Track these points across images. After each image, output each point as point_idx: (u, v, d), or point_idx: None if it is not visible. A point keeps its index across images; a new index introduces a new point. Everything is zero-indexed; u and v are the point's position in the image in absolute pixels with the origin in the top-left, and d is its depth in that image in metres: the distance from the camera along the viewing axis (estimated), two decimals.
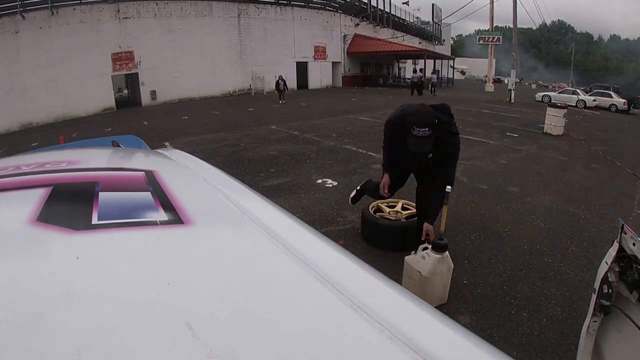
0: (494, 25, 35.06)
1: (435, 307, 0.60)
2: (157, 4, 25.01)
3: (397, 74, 44.47)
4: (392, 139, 3.54)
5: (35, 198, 0.82)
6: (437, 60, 42.67)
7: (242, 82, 28.00)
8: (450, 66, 45.59)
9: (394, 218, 4.40)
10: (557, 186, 7.04)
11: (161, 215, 0.78)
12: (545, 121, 12.86)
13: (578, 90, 28.84)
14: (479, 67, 64.92)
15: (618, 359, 1.69)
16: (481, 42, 36.40)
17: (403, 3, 45.41)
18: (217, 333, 0.46)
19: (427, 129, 2.99)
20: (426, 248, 3.17)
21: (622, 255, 1.70)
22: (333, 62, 35.59)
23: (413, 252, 3.23)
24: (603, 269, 1.76)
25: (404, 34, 42.23)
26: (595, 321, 1.78)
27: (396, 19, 43.01)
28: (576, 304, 3.41)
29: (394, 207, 4.65)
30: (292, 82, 31.62)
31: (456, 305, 3.41)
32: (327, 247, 0.71)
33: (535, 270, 4.02)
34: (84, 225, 0.72)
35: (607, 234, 4.97)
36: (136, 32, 23.85)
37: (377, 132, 11.70)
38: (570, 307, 3.40)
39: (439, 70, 34.09)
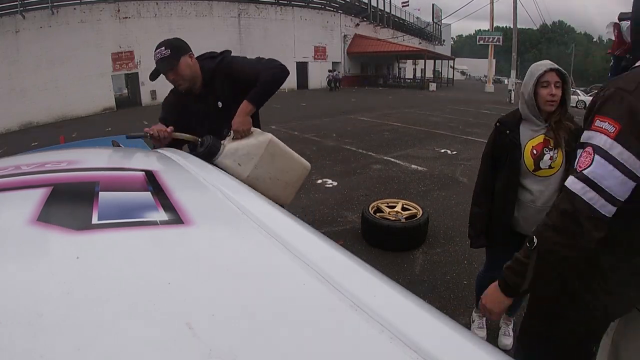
0: (494, 25, 35.11)
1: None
2: (157, 3, 25.02)
3: (397, 74, 44.52)
4: None
5: (35, 198, 0.82)
6: (437, 61, 42.75)
7: None
8: (450, 66, 45.65)
9: (393, 218, 4.41)
10: None
11: (161, 215, 0.78)
12: None
13: (578, 91, 28.79)
14: (479, 67, 65.01)
15: (636, 358, 1.68)
16: (481, 42, 36.46)
17: (403, 5, 45.41)
18: (217, 333, 0.46)
19: None
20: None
21: None
22: (333, 62, 35.58)
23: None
24: None
25: (404, 34, 42.29)
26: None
27: (396, 19, 43.05)
28: None
29: (394, 207, 4.66)
30: (292, 82, 31.62)
31: (456, 306, 3.41)
32: (327, 247, 0.71)
33: None
34: (84, 225, 0.72)
35: None
36: (136, 32, 23.87)
37: (378, 132, 11.73)
38: None
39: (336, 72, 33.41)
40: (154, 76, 2.39)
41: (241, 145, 2.12)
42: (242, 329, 0.48)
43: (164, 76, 2.44)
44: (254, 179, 2.10)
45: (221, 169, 2.09)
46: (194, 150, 2.16)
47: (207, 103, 2.47)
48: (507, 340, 2.93)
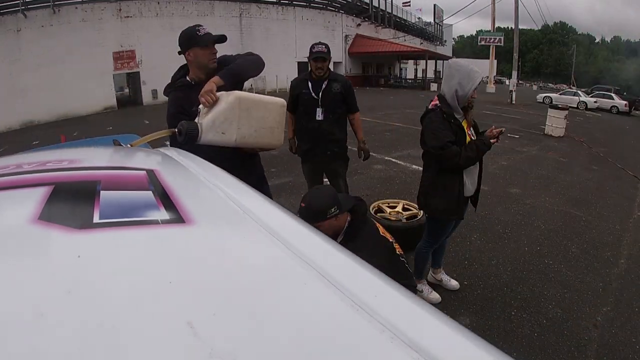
0: (496, 25, 35.09)
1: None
2: (158, 3, 25.05)
3: (398, 75, 44.49)
4: None
5: (36, 196, 0.82)
6: (438, 61, 42.71)
7: None
8: None
9: (394, 219, 4.40)
10: (558, 188, 7.04)
11: (162, 214, 0.78)
12: (546, 122, 12.89)
13: (579, 92, 28.80)
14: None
15: None
16: (482, 43, 36.45)
17: (404, 5, 45.32)
18: (218, 333, 0.46)
19: None
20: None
21: None
22: (334, 62, 35.56)
23: None
24: None
25: (405, 35, 42.28)
26: None
27: (397, 20, 43.04)
28: (576, 306, 3.41)
29: (395, 207, 4.65)
30: None
31: (457, 306, 3.41)
32: (328, 246, 0.71)
33: (535, 272, 4.03)
34: (86, 224, 0.72)
35: (608, 236, 4.97)
36: (138, 31, 23.90)
37: (379, 132, 11.73)
38: (570, 309, 3.40)
39: None
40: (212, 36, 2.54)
41: (215, 115, 2.11)
42: (243, 329, 0.48)
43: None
44: (242, 138, 2.15)
45: (209, 145, 2.13)
46: (175, 142, 2.17)
47: None
48: (454, 282, 3.71)
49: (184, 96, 2.53)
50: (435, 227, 3.30)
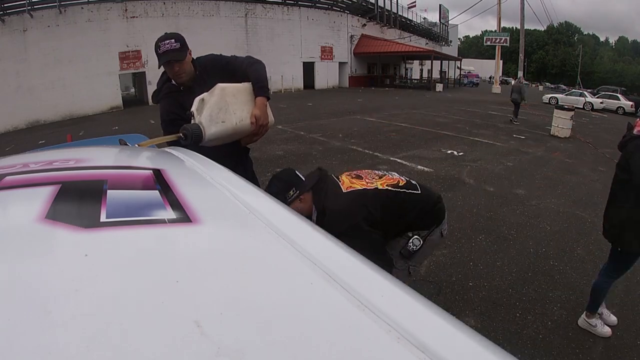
0: (502, 26, 35.03)
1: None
2: (164, 3, 25.10)
3: (403, 75, 44.47)
4: None
5: (43, 196, 0.82)
6: (444, 61, 42.63)
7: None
8: (457, 67, 45.52)
9: None
10: (564, 189, 7.00)
11: (169, 213, 0.78)
12: (552, 123, 12.83)
13: (585, 93, 28.68)
14: (486, 68, 64.80)
15: None
16: (488, 43, 36.41)
17: (409, 6, 45.30)
18: (225, 331, 0.46)
19: None
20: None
21: None
22: (340, 63, 35.56)
23: None
24: None
25: (411, 35, 42.21)
26: None
27: (403, 20, 42.97)
28: (581, 308, 3.39)
29: None
30: (298, 82, 31.60)
31: (461, 307, 3.40)
32: (334, 246, 0.71)
33: (540, 273, 4.01)
34: (92, 223, 0.72)
35: None
36: (144, 31, 23.92)
37: (384, 132, 11.71)
38: (576, 311, 3.38)
39: None
40: (160, 65, 2.51)
41: (210, 109, 2.22)
42: (250, 328, 0.48)
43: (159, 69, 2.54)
44: (240, 121, 2.28)
45: (216, 139, 2.20)
46: (179, 144, 2.20)
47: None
48: (613, 317, 3.36)
49: (175, 102, 2.54)
50: (626, 261, 3.10)
